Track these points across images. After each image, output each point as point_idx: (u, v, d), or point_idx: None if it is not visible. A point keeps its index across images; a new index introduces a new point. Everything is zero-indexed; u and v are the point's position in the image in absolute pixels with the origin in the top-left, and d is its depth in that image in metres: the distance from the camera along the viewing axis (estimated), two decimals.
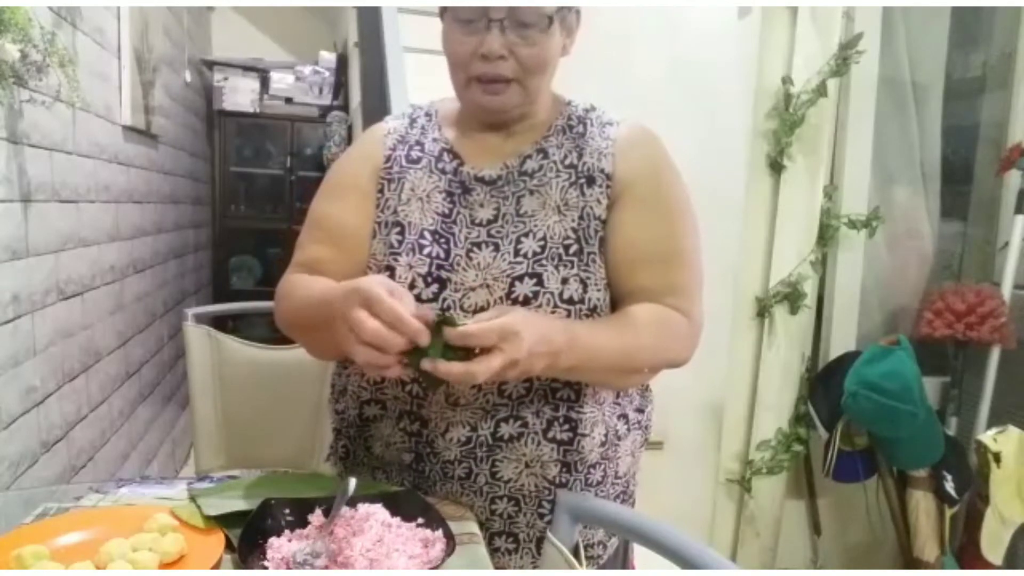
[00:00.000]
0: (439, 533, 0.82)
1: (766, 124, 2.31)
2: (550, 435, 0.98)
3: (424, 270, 0.98)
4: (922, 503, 2.22)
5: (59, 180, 1.77)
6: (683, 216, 1.02)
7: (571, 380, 0.98)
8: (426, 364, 0.80)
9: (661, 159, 1.04)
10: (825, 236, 2.35)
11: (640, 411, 1.10)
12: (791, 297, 2.30)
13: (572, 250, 0.97)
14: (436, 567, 0.76)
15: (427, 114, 1.10)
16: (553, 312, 0.95)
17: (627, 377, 1.01)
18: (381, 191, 1.04)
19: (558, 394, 0.99)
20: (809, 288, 2.32)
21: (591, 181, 1.00)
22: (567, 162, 1.01)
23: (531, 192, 1.00)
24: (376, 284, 0.82)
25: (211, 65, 4.12)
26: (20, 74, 1.48)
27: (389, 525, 0.82)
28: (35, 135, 1.61)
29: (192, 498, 0.89)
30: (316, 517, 0.84)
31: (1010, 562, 2.11)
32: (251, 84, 4.17)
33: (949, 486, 2.18)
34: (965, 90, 2.56)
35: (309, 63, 4.24)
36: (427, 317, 0.81)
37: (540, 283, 0.96)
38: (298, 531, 0.82)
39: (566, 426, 0.99)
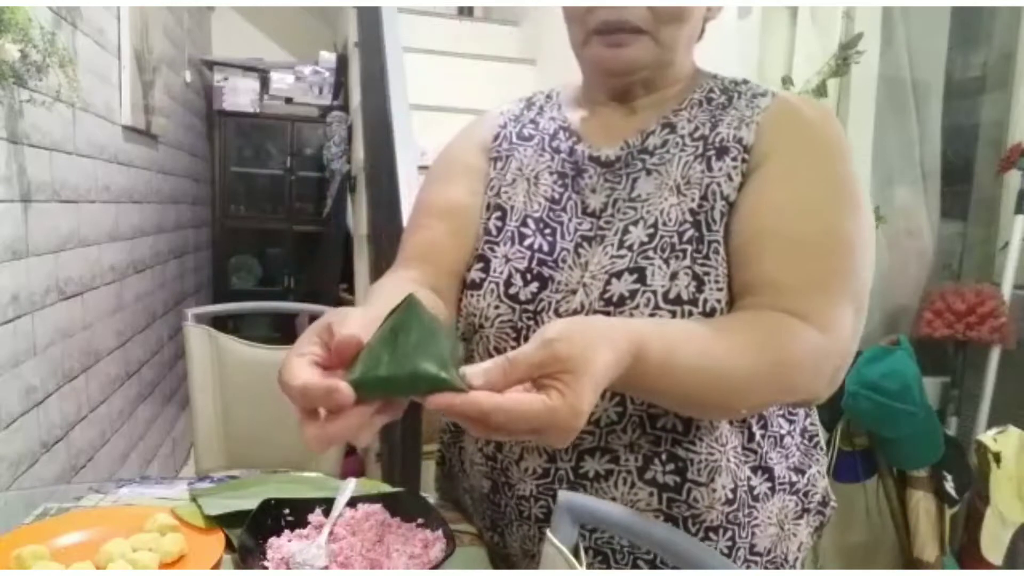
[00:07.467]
0: (439, 533, 0.81)
1: None
2: (648, 476, 0.77)
3: (523, 265, 0.82)
4: (922, 503, 2.22)
5: (59, 180, 1.77)
6: (844, 193, 0.75)
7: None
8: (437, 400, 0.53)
9: (828, 134, 0.79)
10: None
11: (799, 471, 0.83)
12: None
13: (687, 236, 0.76)
14: (436, 567, 0.76)
15: (548, 96, 0.96)
16: (652, 316, 0.74)
17: (710, 412, 0.74)
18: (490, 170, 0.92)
19: (659, 423, 0.76)
20: None
21: (722, 152, 0.78)
22: (697, 135, 0.81)
23: (648, 172, 0.81)
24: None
25: (211, 65, 4.13)
26: (20, 74, 1.48)
27: (389, 525, 0.82)
28: (35, 135, 1.61)
29: (193, 498, 0.89)
30: (316, 517, 0.84)
31: (1010, 562, 2.10)
32: (251, 84, 4.17)
33: (949, 486, 2.18)
34: (965, 90, 2.56)
35: (309, 63, 4.23)
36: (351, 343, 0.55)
37: (641, 279, 0.75)
38: (298, 531, 0.82)
39: (671, 466, 0.77)
